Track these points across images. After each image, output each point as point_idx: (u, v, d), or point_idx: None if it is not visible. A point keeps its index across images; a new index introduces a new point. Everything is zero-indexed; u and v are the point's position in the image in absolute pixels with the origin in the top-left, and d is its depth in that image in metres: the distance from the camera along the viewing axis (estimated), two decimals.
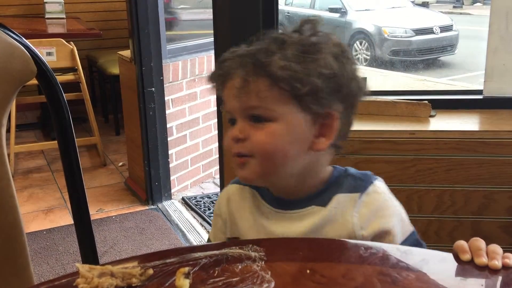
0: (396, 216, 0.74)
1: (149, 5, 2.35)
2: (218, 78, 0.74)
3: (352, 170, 0.78)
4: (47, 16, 3.58)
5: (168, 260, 0.60)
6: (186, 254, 0.61)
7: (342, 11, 6.62)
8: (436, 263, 0.63)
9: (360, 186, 0.74)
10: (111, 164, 3.03)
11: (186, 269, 0.57)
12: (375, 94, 1.54)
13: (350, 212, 0.72)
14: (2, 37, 0.92)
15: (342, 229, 0.71)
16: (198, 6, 3.35)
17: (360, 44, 6.54)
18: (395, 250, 0.65)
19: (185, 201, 2.58)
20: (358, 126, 1.38)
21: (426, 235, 1.38)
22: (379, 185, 0.76)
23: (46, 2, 3.59)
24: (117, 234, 2.27)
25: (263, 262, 0.59)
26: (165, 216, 2.44)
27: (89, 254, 1.06)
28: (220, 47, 1.57)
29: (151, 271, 0.58)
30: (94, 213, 2.45)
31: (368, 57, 6.51)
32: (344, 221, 0.72)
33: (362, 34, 6.58)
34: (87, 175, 2.86)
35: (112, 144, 3.31)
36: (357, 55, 6.45)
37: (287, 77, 0.67)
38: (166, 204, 2.55)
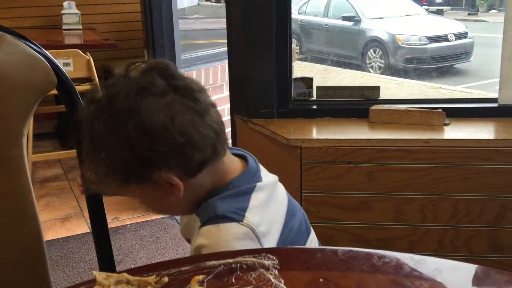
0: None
1: (163, 17, 2.38)
2: None
3: (224, 197, 0.73)
4: (64, 27, 3.64)
5: (183, 268, 0.61)
6: (201, 262, 0.62)
7: (355, 20, 6.62)
8: (449, 272, 0.62)
9: (202, 216, 0.73)
10: None
11: (201, 277, 0.58)
12: (389, 102, 1.54)
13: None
14: (23, 48, 0.94)
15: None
16: (212, 15, 3.38)
17: (374, 52, 6.52)
18: (408, 259, 0.65)
19: None
20: (371, 134, 1.39)
21: (442, 244, 1.37)
22: (213, 230, 0.70)
23: (63, 14, 3.65)
24: (132, 242, 2.29)
25: (276, 271, 0.60)
26: (179, 225, 2.45)
27: (106, 262, 1.07)
28: (233, 57, 1.59)
29: (166, 279, 0.59)
30: (110, 221, 2.47)
31: (382, 65, 6.48)
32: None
33: (376, 42, 6.57)
34: None
35: None
36: (371, 63, 6.44)
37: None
38: None
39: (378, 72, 6.62)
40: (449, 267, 0.63)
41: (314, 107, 1.59)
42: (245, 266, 0.61)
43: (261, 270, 0.60)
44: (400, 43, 6.20)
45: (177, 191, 0.70)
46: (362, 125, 1.47)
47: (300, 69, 1.62)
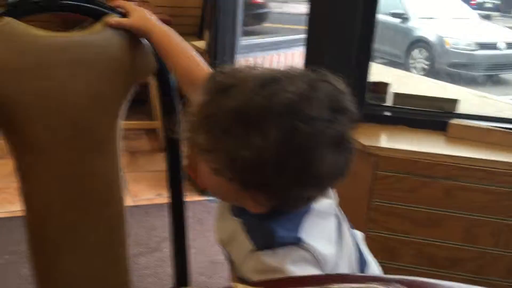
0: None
1: (229, 0, 2.35)
2: None
3: (280, 223, 0.66)
4: None
5: None
6: (326, 285, 0.60)
7: (404, 17, 6.47)
8: None
9: (257, 240, 0.66)
10: None
11: None
12: (468, 117, 1.49)
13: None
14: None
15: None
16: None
17: (419, 52, 6.38)
18: None
19: None
20: (451, 150, 1.35)
21: (511, 272, 1.34)
22: (271, 255, 0.64)
23: None
24: None
25: None
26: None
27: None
28: (311, 47, 1.53)
29: None
30: (154, 197, 2.49)
31: (426, 67, 6.35)
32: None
33: (422, 42, 6.42)
34: (146, 158, 2.90)
35: None
36: (414, 63, 6.30)
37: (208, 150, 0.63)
38: None
39: (421, 73, 6.48)
40: None
41: (388, 113, 1.55)
42: None
43: None
44: (447, 46, 6.05)
45: (250, 206, 0.66)
46: (439, 139, 1.43)
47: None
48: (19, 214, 2.33)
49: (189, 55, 0.91)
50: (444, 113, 1.51)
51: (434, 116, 1.51)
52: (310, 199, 0.66)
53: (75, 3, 0.90)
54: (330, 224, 0.71)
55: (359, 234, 0.79)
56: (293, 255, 0.64)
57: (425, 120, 1.50)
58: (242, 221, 0.69)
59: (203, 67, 0.90)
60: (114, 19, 0.89)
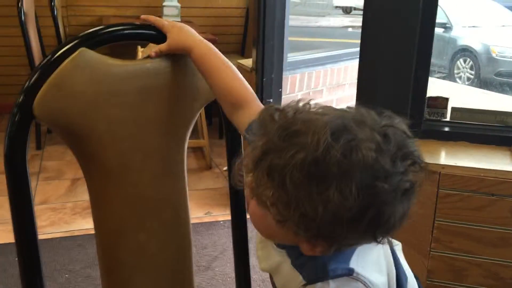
0: None
1: (276, 17, 2.36)
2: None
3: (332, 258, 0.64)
4: (164, 18, 3.73)
5: None
6: None
7: (447, 26, 6.35)
8: None
9: (308, 274, 0.64)
10: (216, 168, 3.10)
11: None
12: None
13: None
14: None
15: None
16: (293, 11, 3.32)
17: (464, 62, 6.24)
18: None
19: None
20: None
21: None
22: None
23: (164, 6, 3.74)
24: (225, 240, 2.31)
25: None
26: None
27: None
28: (365, 71, 1.52)
29: None
30: (203, 215, 2.51)
31: (471, 77, 6.19)
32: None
33: (467, 51, 6.27)
34: (193, 176, 2.94)
35: (216, 147, 3.37)
36: (459, 73, 6.15)
37: (276, 202, 0.59)
38: None
39: (467, 83, 6.33)
40: None
41: (447, 129, 1.51)
42: None
43: None
44: (494, 55, 5.89)
45: (303, 248, 0.63)
46: (505, 155, 1.37)
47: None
48: (76, 233, 2.39)
49: (232, 75, 0.86)
50: (507, 127, 1.46)
51: (496, 131, 1.46)
52: (371, 242, 0.63)
53: (138, 31, 0.93)
54: (378, 252, 0.69)
55: (396, 244, 0.75)
56: (346, 286, 0.62)
57: (487, 135, 1.45)
58: (290, 253, 0.68)
59: (246, 88, 0.86)
60: (154, 50, 0.87)
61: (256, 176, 0.61)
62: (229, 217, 1.09)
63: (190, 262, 1.03)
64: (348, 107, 0.64)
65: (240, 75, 0.87)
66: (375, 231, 0.59)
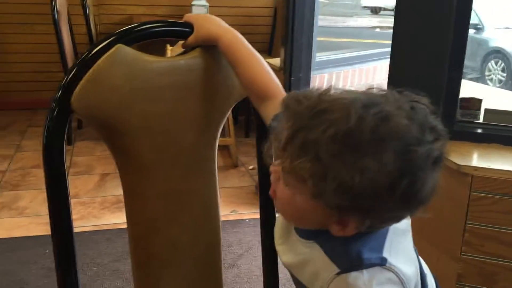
0: None
1: (305, 16, 2.36)
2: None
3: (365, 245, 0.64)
4: None
5: None
6: None
7: (478, 28, 6.23)
8: None
9: (342, 262, 0.64)
10: (242, 166, 3.11)
11: None
12: None
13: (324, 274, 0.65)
14: None
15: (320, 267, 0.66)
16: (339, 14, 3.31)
17: (496, 64, 6.10)
18: None
19: None
20: None
21: None
22: (358, 277, 0.62)
23: (193, 5, 3.78)
24: (251, 238, 2.31)
25: None
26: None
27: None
28: (397, 63, 1.50)
29: None
30: (228, 213, 2.52)
31: (503, 79, 6.05)
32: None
33: (499, 53, 6.14)
34: (219, 174, 2.94)
35: (242, 146, 3.39)
36: (490, 75, 6.02)
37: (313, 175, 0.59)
38: None
39: (498, 85, 6.19)
40: None
41: (480, 131, 1.48)
42: None
43: None
44: None
45: (334, 229, 0.64)
46: None
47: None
48: (105, 227, 2.43)
49: (259, 66, 0.86)
50: None
51: None
52: (401, 218, 0.65)
53: (172, 28, 0.93)
54: (409, 242, 0.70)
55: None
56: (379, 276, 0.62)
57: None
58: (320, 243, 0.68)
59: (273, 80, 0.85)
60: (182, 45, 0.88)
61: (288, 153, 0.61)
62: (254, 215, 1.09)
63: (219, 258, 1.04)
64: (369, 88, 0.65)
65: (268, 67, 0.87)
66: (408, 201, 0.60)
